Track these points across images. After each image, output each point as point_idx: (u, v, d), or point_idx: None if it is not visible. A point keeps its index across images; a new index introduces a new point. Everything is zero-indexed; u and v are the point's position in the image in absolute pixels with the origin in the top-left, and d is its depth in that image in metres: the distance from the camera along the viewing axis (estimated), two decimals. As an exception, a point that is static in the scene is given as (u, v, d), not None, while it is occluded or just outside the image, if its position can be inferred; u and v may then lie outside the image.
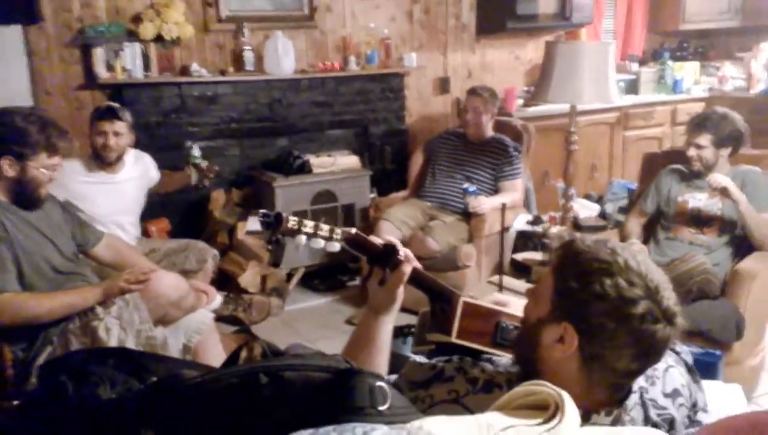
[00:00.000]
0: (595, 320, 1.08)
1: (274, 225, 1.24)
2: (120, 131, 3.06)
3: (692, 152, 2.90)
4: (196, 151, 3.44)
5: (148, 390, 1.03)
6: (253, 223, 3.81)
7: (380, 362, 1.36)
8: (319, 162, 4.11)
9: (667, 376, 1.26)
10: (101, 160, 3.07)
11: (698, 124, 2.90)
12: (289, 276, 3.98)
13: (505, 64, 5.32)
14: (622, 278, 1.07)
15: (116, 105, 3.24)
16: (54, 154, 2.20)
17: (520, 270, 4.11)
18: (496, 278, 3.19)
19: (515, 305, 1.51)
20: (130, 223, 3.15)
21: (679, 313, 1.10)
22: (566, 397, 1.00)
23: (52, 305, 2.11)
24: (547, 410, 1.00)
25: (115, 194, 3.09)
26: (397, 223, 3.64)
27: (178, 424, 0.95)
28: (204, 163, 3.44)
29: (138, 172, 3.26)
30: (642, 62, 5.90)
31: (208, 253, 3.06)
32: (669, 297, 1.09)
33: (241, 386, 0.97)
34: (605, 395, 1.13)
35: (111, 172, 3.12)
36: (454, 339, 1.38)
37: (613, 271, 1.08)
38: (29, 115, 2.19)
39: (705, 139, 2.87)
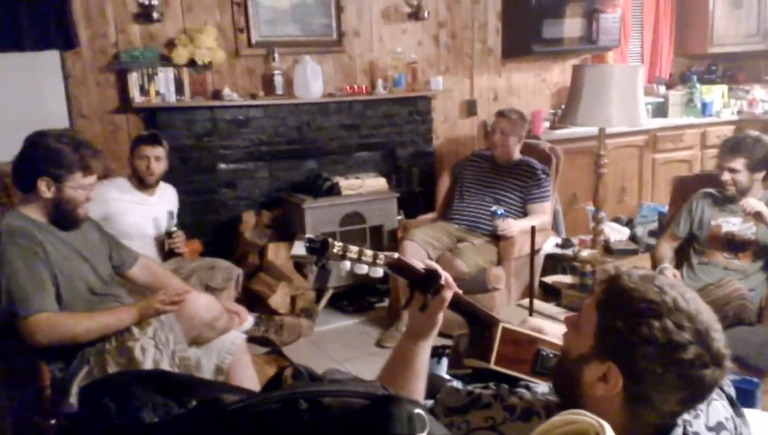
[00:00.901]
0: (642, 364, 1.05)
1: (320, 250, 1.25)
2: (160, 156, 3.24)
3: (726, 177, 2.87)
4: (173, 220, 3.45)
5: (189, 414, 1.04)
6: (299, 248, 3.83)
7: (418, 388, 1.35)
8: (348, 184, 4.14)
9: (710, 409, 1.23)
10: (142, 182, 3.24)
11: (732, 147, 2.88)
12: (318, 297, 3.99)
13: (531, 86, 5.33)
14: (670, 321, 1.04)
15: (157, 132, 3.46)
16: (89, 173, 2.23)
17: (550, 293, 4.08)
18: (525, 301, 3.17)
19: (550, 329, 1.51)
20: (152, 244, 3.24)
21: (728, 356, 1.07)
22: (607, 427, 0.99)
23: (89, 326, 2.13)
24: (587, 440, 0.99)
25: (148, 215, 3.22)
26: (422, 244, 3.64)
27: (220, 449, 0.96)
28: (175, 231, 3.32)
29: (165, 199, 3.40)
30: (669, 85, 5.88)
31: (234, 272, 3.09)
32: (719, 339, 1.06)
33: (282, 411, 0.97)
34: (648, 431, 1.11)
35: (148, 194, 3.28)
36: (492, 365, 1.38)
37: (662, 313, 1.05)
38: (62, 136, 2.23)
39: (739, 163, 2.84)
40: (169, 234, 3.34)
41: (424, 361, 1.36)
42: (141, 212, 3.18)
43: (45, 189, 2.17)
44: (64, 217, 2.24)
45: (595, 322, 1.12)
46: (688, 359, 1.03)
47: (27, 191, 2.22)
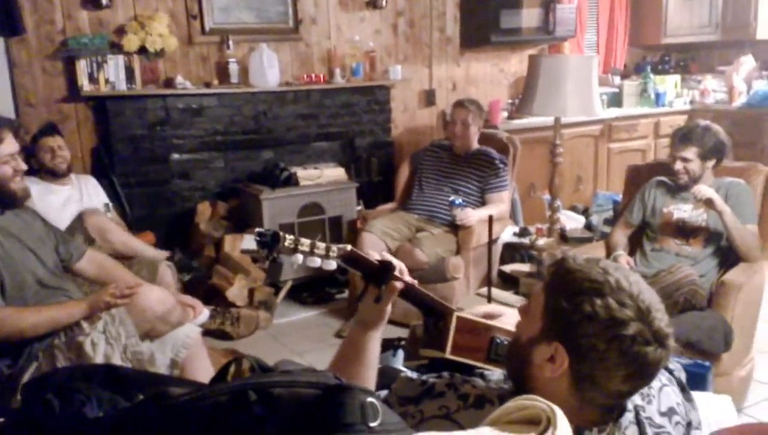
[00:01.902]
0: (585, 341, 1.07)
1: (270, 244, 1.22)
2: (62, 145, 3.39)
3: (679, 166, 2.92)
4: (109, 212, 3.45)
5: (135, 408, 1.01)
6: (249, 242, 3.77)
7: (368, 378, 1.34)
8: (306, 174, 4.10)
9: (662, 395, 1.25)
10: (54, 174, 3.34)
11: (683, 137, 2.93)
12: (277, 289, 3.95)
13: (489, 76, 5.35)
14: (612, 299, 1.06)
15: (53, 122, 3.62)
16: None
17: (508, 281, 4.13)
18: (484, 290, 3.19)
19: (507, 316, 1.51)
20: None
21: (671, 335, 1.09)
22: (558, 411, 0.99)
23: (37, 320, 2.07)
24: (539, 425, 0.99)
25: (66, 205, 3.27)
26: (380, 235, 3.63)
27: (166, 444, 0.93)
28: None
29: (85, 190, 3.49)
30: (624, 76, 5.97)
31: (159, 264, 2.95)
32: (661, 319, 1.08)
33: (230, 404, 0.95)
34: (597, 414, 1.13)
35: (61, 184, 3.38)
36: (447, 355, 1.37)
37: (604, 292, 1.07)
38: None
39: (690, 153, 2.89)
40: None
41: (374, 352, 1.35)
42: (58, 203, 3.19)
43: None
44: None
45: (543, 305, 1.14)
46: (630, 335, 1.05)
47: None
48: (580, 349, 1.07)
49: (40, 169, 3.37)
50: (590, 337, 1.06)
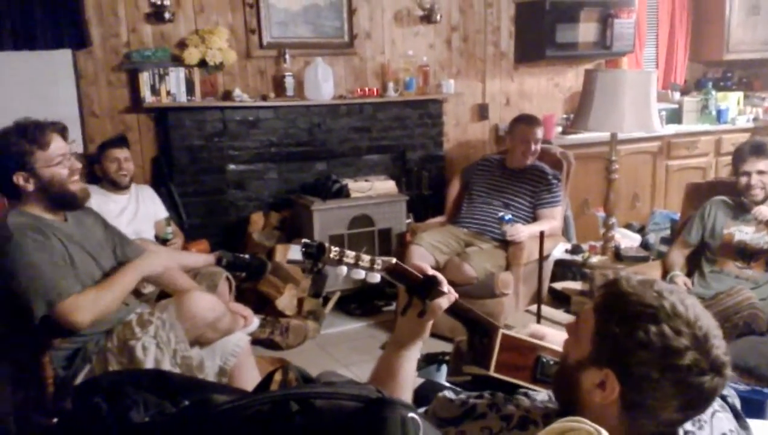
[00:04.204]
0: (638, 369, 1.02)
1: (315, 255, 1.23)
2: (128, 157, 3.52)
3: (755, 180, 2.81)
4: (169, 227, 3.49)
5: (178, 415, 1.03)
6: (295, 253, 3.81)
7: (403, 396, 1.32)
8: (357, 186, 4.13)
9: (714, 421, 1.20)
10: (115, 184, 3.47)
11: (755, 149, 2.82)
12: (326, 300, 3.98)
13: (543, 91, 5.30)
14: (668, 326, 1.01)
15: (124, 134, 3.78)
16: (46, 146, 2.16)
17: (559, 299, 4.06)
18: (533, 307, 3.15)
19: (553, 337, 1.48)
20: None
21: (728, 364, 1.04)
22: (605, 434, 0.97)
23: (113, 292, 2.19)
24: (585, 448, 0.97)
25: (124, 215, 3.38)
26: (429, 249, 3.61)
27: (208, 450, 0.94)
28: (171, 238, 3.45)
29: (144, 199, 3.61)
30: (684, 92, 5.82)
31: (218, 277, 2.94)
32: (718, 346, 1.03)
33: (272, 413, 0.96)
34: None
35: (121, 194, 3.51)
36: (491, 373, 1.35)
37: (659, 318, 1.02)
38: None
39: (766, 165, 2.79)
40: (164, 241, 3.36)
41: (409, 371, 1.32)
42: (115, 212, 3.27)
43: (24, 183, 2.15)
44: (59, 198, 2.21)
45: (593, 328, 1.09)
46: (685, 365, 1.01)
47: (16, 197, 2.20)
48: (632, 377, 1.03)
49: (102, 177, 3.49)
50: (643, 366, 1.02)
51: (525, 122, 3.89)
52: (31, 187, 2.16)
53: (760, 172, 2.80)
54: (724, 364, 1.04)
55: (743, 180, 2.85)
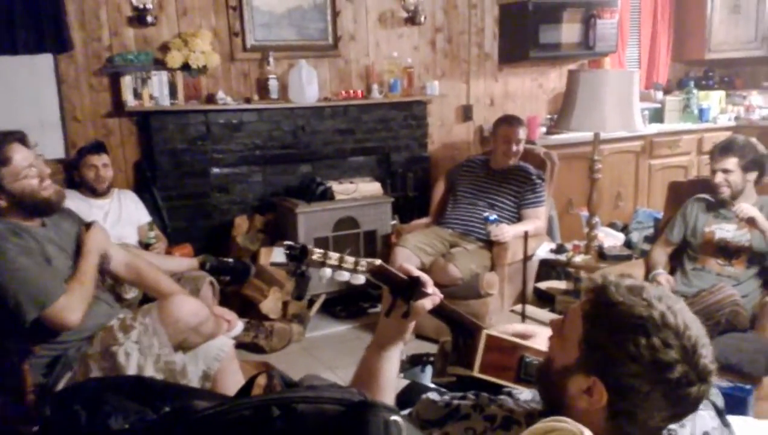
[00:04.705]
0: (628, 381, 1.02)
1: (299, 257, 1.23)
2: (107, 163, 3.48)
3: (719, 178, 2.86)
4: (152, 231, 3.45)
5: (158, 421, 1.02)
6: (278, 255, 3.81)
7: (386, 397, 1.32)
8: (342, 189, 4.12)
9: (697, 419, 1.21)
10: (94, 191, 3.43)
11: (723, 149, 2.87)
12: (311, 302, 3.97)
13: (527, 92, 5.32)
14: (657, 338, 1.01)
15: (101, 140, 3.69)
16: (8, 161, 2.12)
17: (544, 299, 4.07)
18: (518, 307, 3.16)
19: (540, 336, 1.48)
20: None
21: (715, 370, 1.05)
22: (588, 434, 0.97)
23: (89, 281, 2.18)
24: (567, 448, 0.97)
25: (105, 219, 3.32)
26: (414, 250, 3.62)
27: (188, 457, 0.94)
28: (153, 243, 3.40)
29: (125, 204, 3.57)
30: (667, 91, 5.88)
31: (201, 281, 2.93)
32: (705, 355, 1.03)
33: (253, 418, 0.96)
34: None
35: (101, 199, 3.47)
36: (476, 373, 1.35)
37: (648, 330, 1.02)
38: None
39: (731, 163, 2.83)
40: (147, 245, 3.34)
41: (391, 372, 1.31)
42: (100, 218, 3.18)
43: None
44: (34, 207, 2.19)
45: (581, 334, 1.09)
46: (675, 378, 1.01)
47: None
48: (621, 387, 1.03)
49: (81, 183, 3.46)
50: (632, 378, 1.02)
51: (506, 123, 3.91)
52: (3, 202, 2.14)
53: (725, 171, 2.84)
54: (710, 372, 1.04)
55: (712, 178, 2.90)
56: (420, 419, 1.25)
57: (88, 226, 2.39)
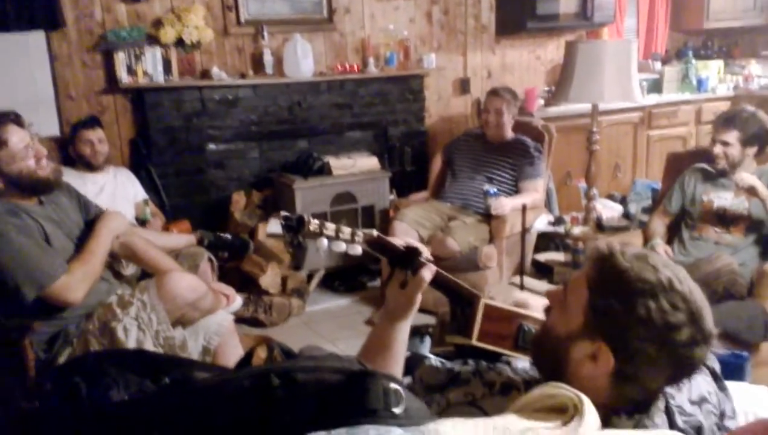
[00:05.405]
0: (636, 344, 1.03)
1: (295, 228, 1.22)
2: (102, 138, 3.48)
3: (718, 149, 2.85)
4: (147, 207, 3.49)
5: (158, 392, 1.02)
6: (275, 226, 3.80)
7: (395, 369, 1.33)
8: (339, 164, 4.11)
9: (693, 383, 1.22)
10: (90, 166, 3.43)
11: (726, 121, 2.85)
12: (310, 277, 3.98)
13: (525, 64, 5.28)
14: (666, 301, 1.02)
15: (95, 115, 3.72)
16: (4, 144, 2.10)
17: (542, 271, 4.08)
18: (517, 279, 3.16)
19: (537, 305, 1.49)
20: None
21: (715, 335, 1.06)
22: (585, 399, 0.97)
23: (96, 256, 2.20)
24: (566, 413, 0.98)
25: (103, 194, 3.33)
26: (412, 224, 3.62)
27: (188, 427, 0.94)
28: (149, 220, 3.44)
29: (121, 180, 3.57)
30: (665, 61, 5.83)
31: (200, 257, 2.93)
32: (708, 319, 1.05)
33: (253, 388, 0.96)
34: (629, 405, 1.10)
35: (97, 173, 3.46)
36: (474, 342, 1.36)
37: (657, 293, 1.03)
38: None
39: (732, 137, 2.81)
40: (143, 222, 3.33)
41: (402, 342, 1.33)
42: (92, 193, 3.15)
43: None
44: (32, 187, 2.18)
45: (586, 301, 1.09)
46: (682, 340, 1.02)
47: None
48: (629, 351, 1.04)
49: (77, 159, 3.44)
50: (641, 341, 1.03)
51: (489, 93, 3.95)
52: (1, 184, 2.14)
53: (724, 144, 2.83)
54: (712, 334, 1.06)
55: (711, 147, 2.89)
56: (423, 383, 1.26)
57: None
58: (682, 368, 1.06)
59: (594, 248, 1.16)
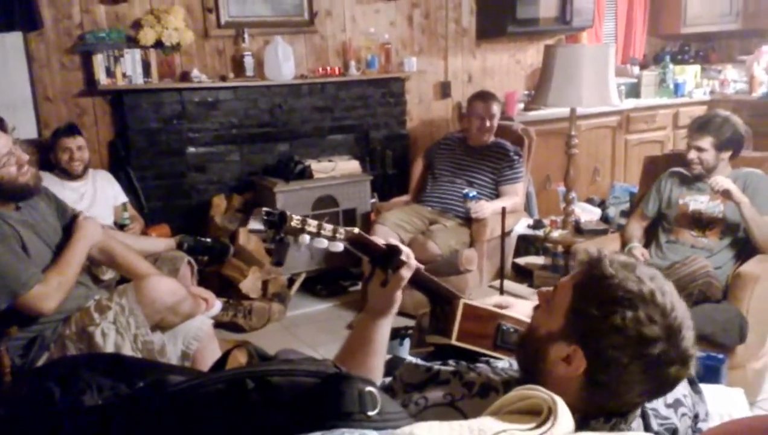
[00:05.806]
0: (609, 352, 1.04)
1: (277, 224, 1.23)
2: (81, 145, 3.41)
3: (692, 155, 2.88)
4: (126, 212, 3.45)
5: (132, 396, 1.02)
6: (256, 223, 3.80)
7: (376, 365, 1.35)
8: (320, 167, 4.10)
9: None
10: (69, 174, 3.37)
11: (700, 126, 2.89)
12: (291, 281, 3.97)
13: (505, 68, 5.31)
14: (643, 313, 1.02)
15: (74, 123, 3.61)
16: None
17: (522, 274, 4.10)
18: (497, 282, 3.18)
19: (518, 306, 1.50)
20: None
21: (695, 356, 1.06)
22: (560, 401, 0.98)
23: (71, 267, 2.17)
24: (540, 414, 0.98)
25: (82, 202, 3.28)
26: (393, 228, 3.62)
27: (162, 431, 0.93)
28: (128, 224, 3.40)
29: (101, 184, 3.52)
30: (643, 66, 5.90)
31: (179, 261, 2.93)
32: (688, 338, 1.05)
33: (227, 392, 0.96)
34: (605, 411, 1.10)
35: (77, 181, 3.41)
36: (454, 341, 1.37)
37: (636, 304, 1.03)
38: None
39: (706, 142, 2.85)
40: (121, 226, 3.30)
41: (382, 340, 1.35)
42: (71, 200, 3.09)
43: None
44: (12, 194, 2.15)
45: (569, 303, 1.10)
46: (655, 354, 1.03)
47: None
48: (601, 358, 1.05)
49: (55, 166, 3.39)
50: (614, 349, 1.03)
51: (479, 98, 3.92)
52: None
53: (699, 149, 2.87)
54: (691, 356, 1.06)
55: (687, 153, 2.93)
56: (403, 381, 1.27)
57: (75, 217, 2.36)
58: (655, 383, 1.06)
59: (585, 252, 1.17)
